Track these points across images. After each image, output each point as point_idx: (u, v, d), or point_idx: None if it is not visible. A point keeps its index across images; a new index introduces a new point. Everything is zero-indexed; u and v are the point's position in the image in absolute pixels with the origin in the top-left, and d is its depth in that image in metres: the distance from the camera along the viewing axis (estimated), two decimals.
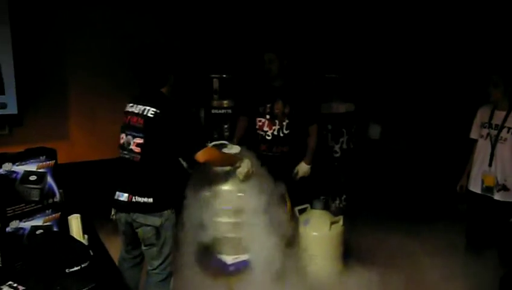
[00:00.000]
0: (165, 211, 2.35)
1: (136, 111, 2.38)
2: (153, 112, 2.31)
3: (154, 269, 2.43)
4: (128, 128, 2.39)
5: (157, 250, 2.39)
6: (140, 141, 2.33)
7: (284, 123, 3.24)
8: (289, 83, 3.28)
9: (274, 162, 3.13)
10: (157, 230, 2.34)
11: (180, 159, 2.69)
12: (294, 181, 3.25)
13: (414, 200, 4.25)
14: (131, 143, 2.36)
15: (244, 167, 2.58)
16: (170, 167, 2.39)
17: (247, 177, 2.60)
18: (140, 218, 2.34)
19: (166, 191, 2.38)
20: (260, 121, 3.30)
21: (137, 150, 2.34)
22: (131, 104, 2.44)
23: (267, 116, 3.27)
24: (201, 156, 2.32)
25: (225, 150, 2.65)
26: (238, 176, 2.60)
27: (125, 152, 2.39)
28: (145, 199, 2.32)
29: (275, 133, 3.26)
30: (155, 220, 2.33)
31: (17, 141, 3.60)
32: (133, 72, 2.42)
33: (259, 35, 4.44)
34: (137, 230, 2.39)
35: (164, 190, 2.37)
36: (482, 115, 3.17)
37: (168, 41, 4.18)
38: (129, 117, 2.41)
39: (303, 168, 3.29)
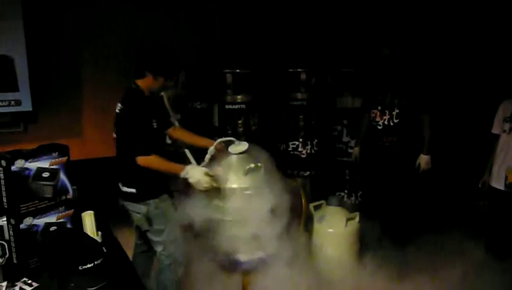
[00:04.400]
0: (151, 201, 2.47)
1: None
2: (119, 108, 2.46)
3: (158, 255, 2.58)
4: None
5: (154, 236, 2.54)
6: (115, 135, 2.52)
7: (394, 113, 3.28)
8: (400, 74, 3.31)
9: (385, 153, 3.33)
10: (147, 217, 2.48)
11: (188, 154, 2.70)
12: (406, 173, 3.33)
13: (432, 196, 4.15)
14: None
15: (192, 177, 2.32)
16: None
17: (203, 186, 2.32)
18: (129, 206, 2.53)
19: (148, 182, 2.46)
20: (373, 112, 3.39)
21: (115, 144, 2.52)
22: None
23: (379, 107, 3.34)
24: (141, 160, 2.37)
25: (232, 147, 2.58)
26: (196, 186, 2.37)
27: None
28: (130, 189, 2.49)
29: (385, 123, 3.32)
30: (141, 208, 2.47)
31: (31, 138, 3.63)
32: None
33: (272, 29, 4.40)
34: (131, 217, 2.57)
35: (145, 181, 2.46)
36: (504, 109, 3.09)
37: (180, 37, 4.17)
38: None
39: (423, 159, 3.30)
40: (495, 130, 3.13)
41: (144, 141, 2.40)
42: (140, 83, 2.50)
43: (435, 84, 3.63)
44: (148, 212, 2.48)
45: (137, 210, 2.50)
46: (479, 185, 3.21)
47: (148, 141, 2.41)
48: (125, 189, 2.52)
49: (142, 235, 2.68)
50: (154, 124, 2.49)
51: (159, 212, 2.50)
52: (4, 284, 1.81)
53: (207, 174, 2.33)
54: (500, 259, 2.96)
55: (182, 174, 2.36)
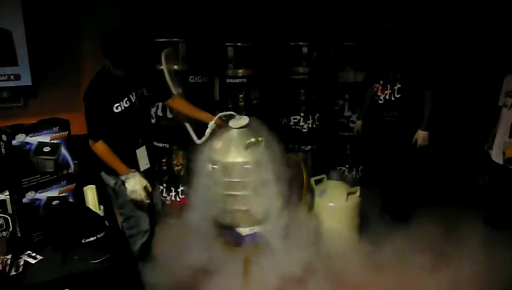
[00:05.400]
0: (118, 177, 2.45)
1: None
2: None
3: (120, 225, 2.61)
4: None
5: (117, 208, 2.56)
6: None
7: (395, 88, 3.25)
8: (403, 48, 3.27)
9: (385, 128, 3.31)
10: (113, 189, 2.51)
11: (189, 128, 2.77)
12: (406, 148, 3.30)
13: (432, 171, 4.16)
14: None
15: (130, 184, 2.37)
16: (111, 141, 2.40)
17: (135, 197, 2.38)
18: (103, 176, 2.53)
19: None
20: (375, 86, 3.37)
21: None
22: None
23: (381, 82, 3.32)
24: (90, 144, 2.38)
25: (233, 121, 2.57)
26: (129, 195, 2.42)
27: None
28: None
29: (387, 97, 3.29)
30: (110, 180, 2.50)
31: (31, 112, 3.60)
32: None
33: (274, 2, 4.32)
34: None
35: None
36: (507, 83, 3.04)
37: (181, 10, 4.10)
38: None
39: (421, 135, 3.26)
40: (501, 103, 3.09)
41: (94, 126, 2.37)
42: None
43: (437, 60, 3.58)
44: (115, 185, 2.50)
45: (107, 181, 2.52)
46: (484, 148, 3.19)
47: (99, 127, 2.37)
48: None
49: None
50: (118, 108, 2.40)
51: (124, 188, 2.45)
52: (9, 256, 1.84)
53: (146, 188, 2.40)
54: (499, 229, 2.98)
55: (123, 177, 2.39)
